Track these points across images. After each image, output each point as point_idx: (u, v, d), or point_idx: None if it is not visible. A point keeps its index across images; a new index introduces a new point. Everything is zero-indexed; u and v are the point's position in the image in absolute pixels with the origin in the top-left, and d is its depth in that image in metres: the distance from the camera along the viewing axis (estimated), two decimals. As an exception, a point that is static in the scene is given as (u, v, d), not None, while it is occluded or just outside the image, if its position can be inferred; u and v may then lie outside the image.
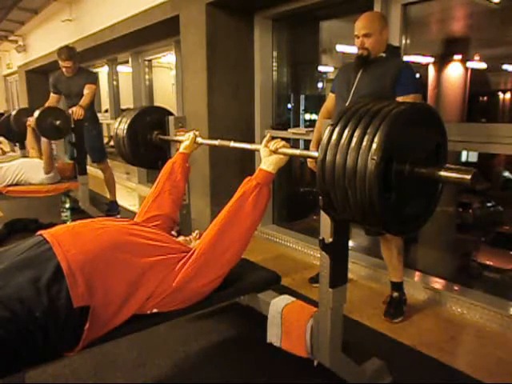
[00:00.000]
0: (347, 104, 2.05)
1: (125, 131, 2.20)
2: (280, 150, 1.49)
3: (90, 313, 1.20)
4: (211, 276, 1.47)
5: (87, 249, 1.28)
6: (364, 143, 1.02)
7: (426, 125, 1.16)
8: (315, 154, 1.19)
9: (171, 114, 2.36)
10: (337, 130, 1.09)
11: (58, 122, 3.46)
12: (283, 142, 1.51)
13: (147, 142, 2.26)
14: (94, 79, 3.83)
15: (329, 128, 1.11)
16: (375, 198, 1.01)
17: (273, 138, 1.56)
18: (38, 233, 1.38)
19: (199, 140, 1.96)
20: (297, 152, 1.54)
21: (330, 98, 2.29)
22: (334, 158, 1.07)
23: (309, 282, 2.50)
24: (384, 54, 2.03)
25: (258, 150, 1.56)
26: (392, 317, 2.09)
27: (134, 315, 1.33)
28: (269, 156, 1.51)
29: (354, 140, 1.04)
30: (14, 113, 4.72)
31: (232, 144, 1.76)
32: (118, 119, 2.28)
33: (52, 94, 3.99)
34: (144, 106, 2.33)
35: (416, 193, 1.15)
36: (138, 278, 1.32)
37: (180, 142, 2.03)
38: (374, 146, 1.00)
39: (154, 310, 1.38)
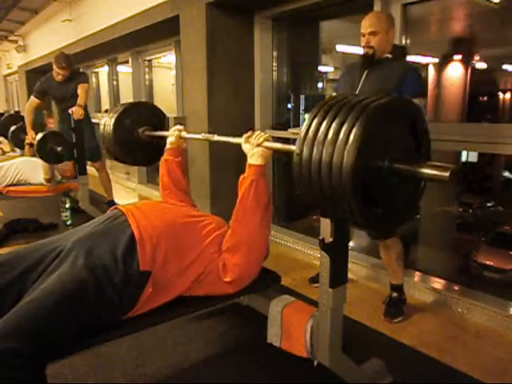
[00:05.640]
0: None
1: (111, 131, 2.18)
2: (264, 144, 1.49)
3: (151, 278, 1.36)
4: (243, 281, 1.56)
5: (154, 223, 1.47)
6: (340, 137, 0.98)
7: (406, 120, 1.12)
8: (294, 147, 1.16)
9: (156, 108, 2.36)
10: (314, 123, 1.06)
11: (59, 149, 3.46)
12: (264, 136, 1.51)
13: (135, 139, 2.23)
14: (85, 79, 3.84)
15: (306, 121, 1.08)
16: (350, 194, 0.98)
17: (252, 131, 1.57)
18: (114, 207, 1.63)
19: (183, 134, 1.96)
20: (279, 146, 1.50)
21: None
22: (310, 153, 1.04)
23: (309, 281, 2.50)
24: (390, 55, 2.01)
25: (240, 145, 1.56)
26: (392, 316, 2.09)
27: (177, 298, 1.48)
28: (252, 149, 1.50)
29: (331, 134, 1.00)
30: (13, 128, 4.65)
31: (215, 137, 1.80)
32: (103, 120, 2.27)
33: (34, 98, 3.92)
34: (127, 104, 2.32)
35: (396, 189, 1.12)
36: (190, 256, 1.47)
37: (166, 137, 2.02)
38: (351, 139, 0.96)
39: (201, 293, 1.52)
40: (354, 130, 0.97)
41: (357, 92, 2.03)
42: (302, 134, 1.07)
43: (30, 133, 3.89)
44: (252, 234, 1.50)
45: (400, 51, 2.08)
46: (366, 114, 0.98)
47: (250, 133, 1.55)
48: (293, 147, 1.13)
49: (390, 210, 1.12)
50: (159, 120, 2.32)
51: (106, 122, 2.23)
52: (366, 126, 0.97)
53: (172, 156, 1.93)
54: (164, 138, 2.02)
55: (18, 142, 4.46)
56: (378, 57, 1.99)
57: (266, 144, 1.49)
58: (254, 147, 1.50)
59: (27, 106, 3.97)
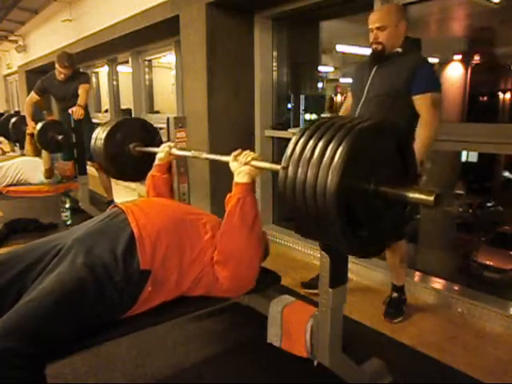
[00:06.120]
0: (361, 103, 1.97)
1: (102, 144, 2.19)
2: (251, 163, 1.49)
3: (151, 277, 1.37)
4: (237, 292, 1.60)
5: (153, 221, 1.47)
6: (325, 158, 0.98)
7: (394, 143, 1.12)
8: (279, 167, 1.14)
9: (149, 124, 2.38)
10: (300, 142, 1.05)
11: (60, 137, 3.46)
12: (253, 155, 1.52)
13: (126, 154, 2.25)
14: (86, 79, 3.88)
15: (292, 141, 1.07)
16: (334, 215, 0.97)
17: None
18: (113, 204, 1.63)
19: (174, 151, 1.98)
20: (266, 165, 1.50)
21: (349, 98, 2.18)
22: (295, 173, 1.03)
23: (301, 286, 2.39)
24: (400, 50, 1.91)
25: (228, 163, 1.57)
26: (392, 317, 2.08)
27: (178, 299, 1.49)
28: (239, 168, 1.51)
29: (316, 155, 1.00)
30: (13, 120, 4.70)
31: (204, 155, 1.81)
32: (95, 134, 2.28)
33: (34, 94, 3.99)
34: (120, 118, 2.34)
35: (381, 212, 1.11)
36: (190, 255, 1.47)
37: (155, 153, 2.04)
38: (336, 160, 0.96)
39: (200, 293, 1.51)
40: (338, 152, 0.97)
41: (366, 90, 1.96)
42: (288, 155, 1.06)
43: (31, 123, 3.91)
44: (240, 251, 1.49)
45: (413, 44, 1.95)
46: (351, 136, 0.98)
47: (238, 151, 1.56)
48: (279, 167, 1.13)
49: (375, 232, 1.10)
50: (151, 136, 2.33)
51: (97, 135, 2.24)
52: (351, 147, 0.96)
53: (159, 172, 1.96)
54: (154, 155, 2.04)
55: (19, 133, 4.48)
56: (388, 52, 1.89)
57: (254, 163, 1.50)
58: (242, 165, 1.50)
59: (27, 100, 4.02)
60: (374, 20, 1.90)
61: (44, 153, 3.72)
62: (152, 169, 1.99)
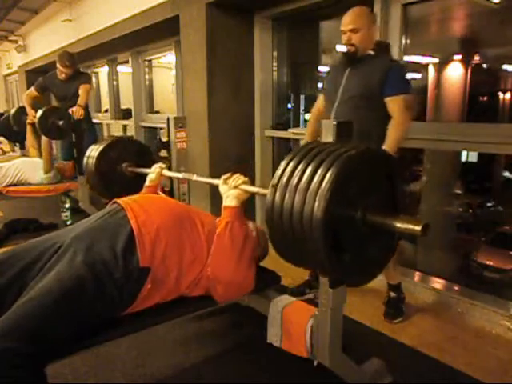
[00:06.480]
0: (336, 105, 1.99)
1: (94, 161, 2.21)
2: (240, 187, 1.50)
3: (150, 274, 1.36)
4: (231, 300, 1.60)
5: (153, 218, 1.46)
6: (313, 184, 0.97)
7: (383, 171, 1.11)
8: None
9: (144, 146, 2.40)
10: (289, 168, 1.05)
11: (60, 123, 3.44)
12: (243, 179, 1.52)
13: (117, 173, 2.26)
14: (87, 79, 3.88)
15: (280, 166, 1.07)
16: (319, 243, 0.96)
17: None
18: (113, 201, 1.62)
19: (165, 172, 1.99)
20: (255, 189, 1.50)
21: (321, 99, 2.21)
22: (283, 198, 1.03)
23: (289, 292, 2.10)
24: (372, 52, 1.95)
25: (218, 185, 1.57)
26: (392, 317, 2.08)
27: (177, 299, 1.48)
28: (228, 191, 1.51)
29: (304, 180, 1.00)
30: (13, 111, 4.71)
31: (195, 177, 1.82)
32: (88, 151, 2.30)
33: (33, 90, 3.99)
34: (115, 137, 2.37)
35: (368, 240, 1.10)
36: (189, 254, 1.46)
37: (147, 174, 2.05)
38: (323, 188, 0.95)
39: (200, 294, 1.50)
40: (326, 178, 0.96)
41: (340, 91, 1.98)
42: (276, 180, 1.06)
43: (30, 112, 3.90)
44: (229, 274, 1.47)
45: (383, 47, 2.00)
46: (339, 162, 0.98)
47: (228, 175, 1.57)
48: (267, 191, 1.13)
49: (361, 259, 1.10)
50: (145, 158, 2.34)
51: (91, 152, 2.26)
52: (338, 174, 0.96)
53: (150, 193, 1.95)
54: (145, 176, 2.05)
55: (19, 123, 4.47)
56: (361, 54, 1.93)
57: (243, 187, 1.50)
58: (231, 189, 1.51)
59: (26, 92, 4.02)
60: (347, 22, 1.92)
61: (43, 141, 3.69)
62: (142, 190, 1.99)
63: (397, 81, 1.86)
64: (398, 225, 1.02)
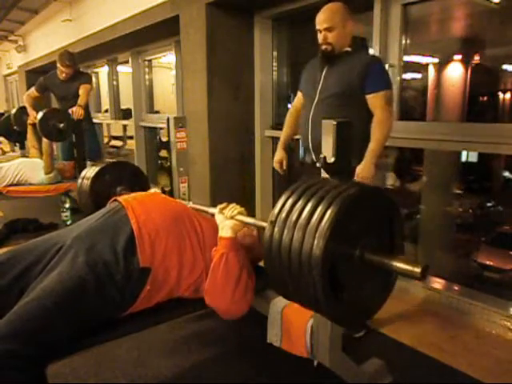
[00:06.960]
0: (314, 103, 1.96)
1: (89, 182, 2.20)
2: (236, 217, 1.49)
3: (151, 275, 1.35)
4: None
5: (153, 218, 1.46)
6: (312, 221, 0.97)
7: (382, 211, 1.11)
8: (265, 224, 1.12)
9: (139, 170, 2.40)
10: (288, 203, 1.04)
11: (61, 125, 3.45)
12: (238, 209, 1.51)
13: (111, 196, 2.24)
14: (88, 79, 3.88)
15: (279, 202, 1.06)
16: (317, 281, 0.95)
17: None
18: (113, 199, 1.61)
19: None
20: (251, 220, 1.48)
21: (299, 97, 2.17)
22: (281, 233, 1.02)
23: None
24: (349, 49, 1.91)
25: (214, 214, 1.56)
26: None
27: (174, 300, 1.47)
28: (224, 221, 1.50)
29: (303, 217, 0.99)
30: (14, 111, 4.72)
31: (190, 204, 1.81)
32: (83, 172, 2.29)
33: (33, 90, 3.99)
34: (112, 161, 2.36)
35: (366, 279, 1.09)
36: (189, 256, 1.46)
37: None
38: (322, 226, 0.95)
39: (199, 296, 1.48)
40: (326, 216, 0.96)
41: (318, 90, 1.95)
42: (274, 216, 1.05)
43: (32, 113, 3.90)
44: (224, 304, 1.44)
45: (360, 43, 1.97)
46: (339, 201, 0.97)
47: (224, 204, 1.56)
48: (264, 224, 1.12)
49: (359, 298, 1.09)
50: (140, 183, 2.34)
51: (86, 173, 2.26)
52: (338, 212, 0.95)
53: None
54: None
55: (20, 124, 4.48)
56: (338, 52, 1.90)
57: (239, 217, 1.49)
58: (227, 219, 1.49)
59: (27, 93, 4.02)
60: (321, 21, 1.89)
61: (44, 143, 3.70)
62: None
63: (377, 77, 1.83)
64: (397, 265, 1.01)
